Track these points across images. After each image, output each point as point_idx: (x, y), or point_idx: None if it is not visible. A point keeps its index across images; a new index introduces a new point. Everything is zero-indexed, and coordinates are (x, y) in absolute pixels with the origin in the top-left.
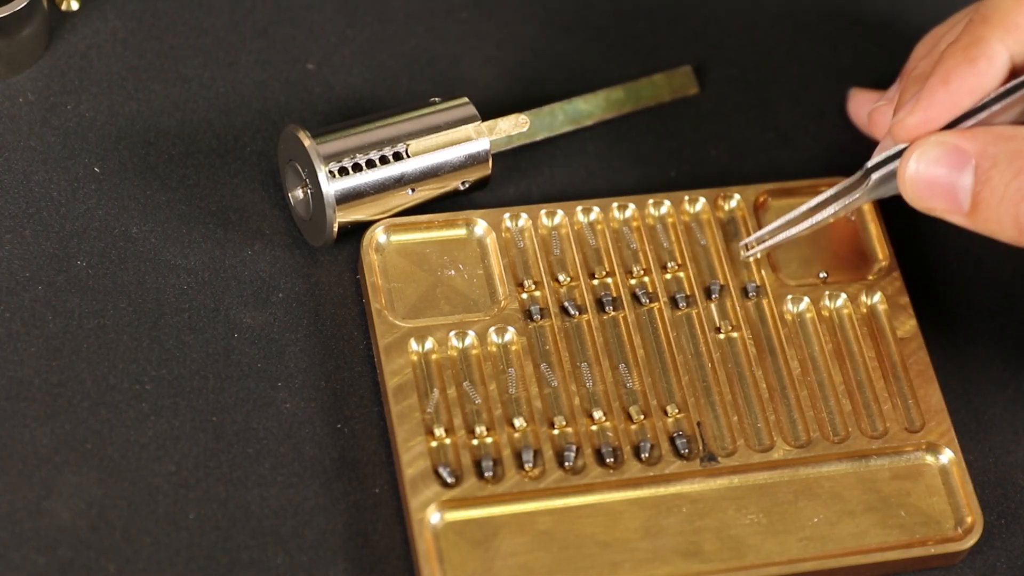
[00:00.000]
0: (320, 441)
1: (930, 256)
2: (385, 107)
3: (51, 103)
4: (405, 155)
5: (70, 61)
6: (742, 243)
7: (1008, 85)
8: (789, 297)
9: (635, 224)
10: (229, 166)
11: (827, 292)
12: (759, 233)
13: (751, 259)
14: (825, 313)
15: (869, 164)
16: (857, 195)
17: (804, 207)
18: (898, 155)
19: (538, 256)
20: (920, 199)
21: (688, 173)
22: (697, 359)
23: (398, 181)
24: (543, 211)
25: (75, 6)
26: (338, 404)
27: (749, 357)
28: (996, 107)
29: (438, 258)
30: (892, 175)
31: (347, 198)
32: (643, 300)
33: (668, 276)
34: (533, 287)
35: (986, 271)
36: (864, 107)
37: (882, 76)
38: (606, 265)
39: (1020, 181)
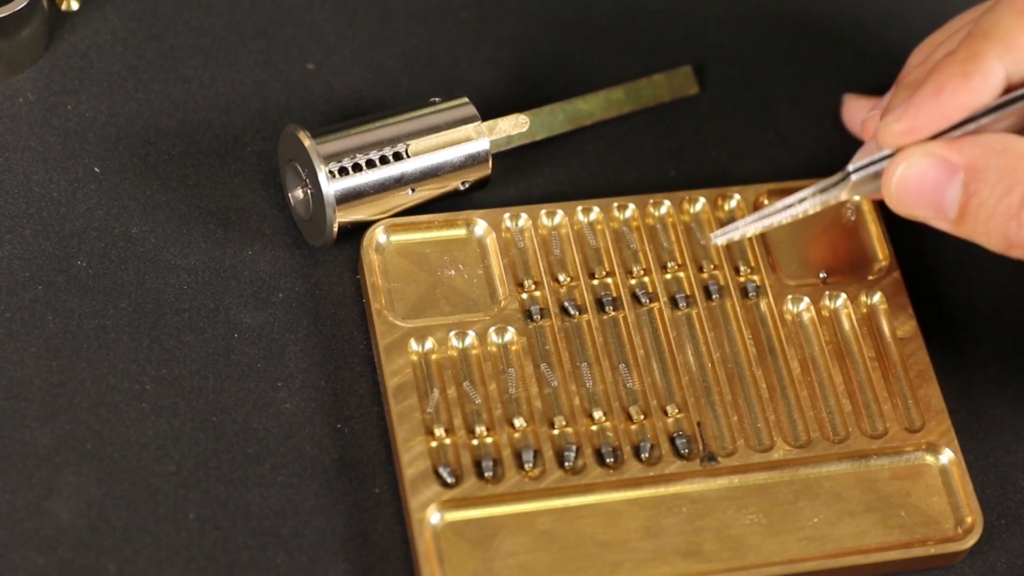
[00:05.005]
0: (320, 441)
1: (930, 256)
2: (385, 107)
3: (51, 103)
4: (405, 155)
5: (70, 61)
6: (713, 234)
7: (1001, 100)
8: (789, 297)
9: (635, 224)
10: (229, 166)
11: (827, 292)
12: (731, 226)
13: (717, 244)
14: (825, 313)
15: (850, 167)
16: (835, 193)
17: (780, 203)
18: (881, 159)
19: (538, 256)
20: (904, 206)
21: (688, 173)
22: (697, 359)
23: (398, 181)
24: (543, 211)
25: (75, 6)
26: (338, 404)
27: (749, 357)
28: (985, 120)
29: (438, 258)
30: (874, 177)
31: (347, 198)
32: (643, 300)
33: (668, 276)
34: (533, 287)
35: (986, 271)
36: (858, 114)
37: (882, 77)
38: (606, 265)
39: (1011, 198)
